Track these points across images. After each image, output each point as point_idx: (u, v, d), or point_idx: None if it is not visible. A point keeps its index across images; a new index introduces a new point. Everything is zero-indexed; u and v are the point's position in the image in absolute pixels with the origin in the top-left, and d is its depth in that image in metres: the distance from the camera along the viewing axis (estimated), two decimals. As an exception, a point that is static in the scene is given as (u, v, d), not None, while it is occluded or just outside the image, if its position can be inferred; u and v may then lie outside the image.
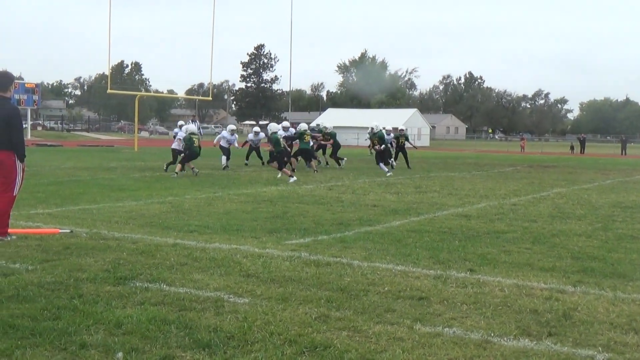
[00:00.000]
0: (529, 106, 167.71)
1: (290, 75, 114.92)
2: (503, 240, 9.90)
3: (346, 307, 5.98)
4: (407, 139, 29.25)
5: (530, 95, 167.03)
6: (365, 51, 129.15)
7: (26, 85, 52.49)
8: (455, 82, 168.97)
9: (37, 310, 5.63)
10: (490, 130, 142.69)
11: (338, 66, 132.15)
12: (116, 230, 9.90)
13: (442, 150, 62.49)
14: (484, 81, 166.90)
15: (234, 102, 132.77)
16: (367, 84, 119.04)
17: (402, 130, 29.68)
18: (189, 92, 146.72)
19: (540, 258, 8.53)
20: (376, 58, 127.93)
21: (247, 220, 11.40)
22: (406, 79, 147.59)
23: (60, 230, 9.56)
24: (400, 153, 28.89)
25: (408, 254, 8.53)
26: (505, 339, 5.21)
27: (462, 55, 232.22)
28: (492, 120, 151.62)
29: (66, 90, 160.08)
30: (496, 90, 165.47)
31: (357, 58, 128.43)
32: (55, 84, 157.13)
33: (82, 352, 4.72)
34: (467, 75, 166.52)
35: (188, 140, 21.42)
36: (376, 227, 10.93)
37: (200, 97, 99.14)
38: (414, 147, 29.05)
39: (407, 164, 28.52)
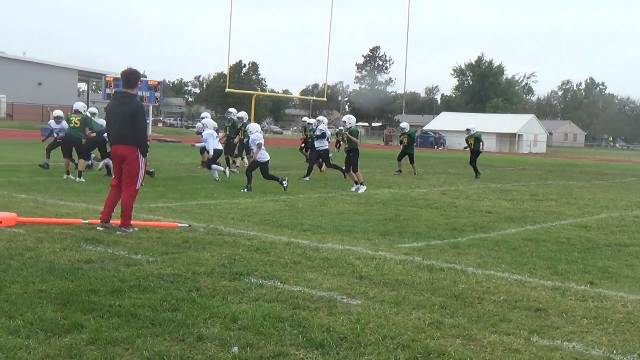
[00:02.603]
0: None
1: (405, 77, 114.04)
2: (625, 253, 9.50)
3: (460, 314, 5.88)
4: (477, 140, 25.01)
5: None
6: (482, 55, 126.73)
7: (149, 82, 54.40)
8: (575, 88, 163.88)
9: (157, 300, 5.80)
10: (610, 139, 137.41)
11: (454, 69, 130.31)
12: (232, 226, 10.11)
13: (559, 158, 60.66)
14: (605, 87, 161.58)
15: (348, 104, 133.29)
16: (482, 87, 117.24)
17: (470, 130, 25.55)
18: (304, 92, 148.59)
19: (666, 274, 8.12)
20: (493, 62, 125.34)
21: (360, 221, 11.41)
22: (523, 83, 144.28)
23: (179, 224, 9.84)
24: (472, 156, 25.29)
25: (524, 263, 8.31)
26: (628, 357, 4.99)
27: (583, 60, 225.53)
28: (613, 128, 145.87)
29: (186, 88, 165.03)
30: (619, 97, 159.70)
31: (473, 62, 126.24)
32: (176, 82, 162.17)
33: (199, 344, 4.82)
34: (588, 81, 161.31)
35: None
36: (491, 234, 10.71)
37: (315, 98, 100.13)
38: (465, 149, 25.00)
39: (475, 170, 24.87)
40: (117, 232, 8.99)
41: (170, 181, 17.27)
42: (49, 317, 5.21)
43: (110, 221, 9.29)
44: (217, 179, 18.04)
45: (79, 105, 17.51)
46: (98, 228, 9.11)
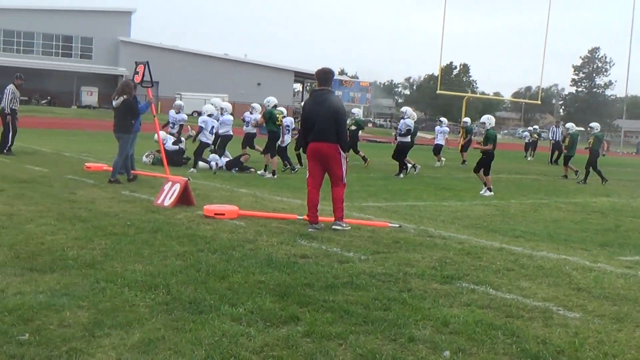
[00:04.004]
0: None
1: (627, 80, 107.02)
2: None
3: (691, 337, 5.41)
4: (599, 140, 21.64)
5: None
6: None
7: (361, 84, 55.49)
8: None
9: (368, 299, 5.88)
10: None
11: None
12: (442, 228, 10.03)
13: None
14: None
15: (562, 107, 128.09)
16: None
17: (592, 128, 22.31)
18: (516, 95, 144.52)
19: None
20: None
21: (576, 230, 10.90)
22: None
23: (390, 224, 9.91)
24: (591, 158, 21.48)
25: None
26: None
27: None
28: None
29: (396, 89, 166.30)
30: None
31: None
32: (386, 83, 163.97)
33: (411, 345, 4.82)
34: None
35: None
36: None
37: (528, 100, 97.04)
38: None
39: (600, 175, 21.44)
40: (333, 227, 9.21)
41: (380, 181, 17.50)
42: (268, 307, 5.45)
43: (319, 219, 9.46)
44: (193, 171, 16.73)
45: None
46: (309, 230, 9.17)
